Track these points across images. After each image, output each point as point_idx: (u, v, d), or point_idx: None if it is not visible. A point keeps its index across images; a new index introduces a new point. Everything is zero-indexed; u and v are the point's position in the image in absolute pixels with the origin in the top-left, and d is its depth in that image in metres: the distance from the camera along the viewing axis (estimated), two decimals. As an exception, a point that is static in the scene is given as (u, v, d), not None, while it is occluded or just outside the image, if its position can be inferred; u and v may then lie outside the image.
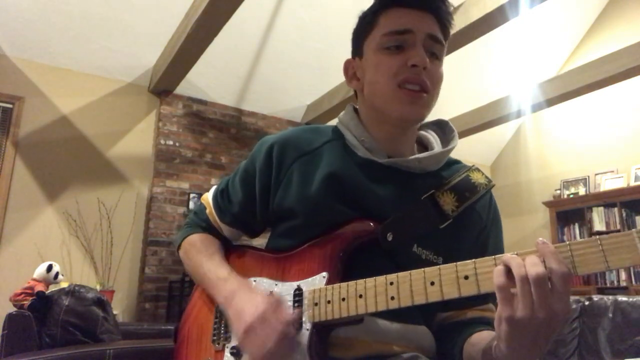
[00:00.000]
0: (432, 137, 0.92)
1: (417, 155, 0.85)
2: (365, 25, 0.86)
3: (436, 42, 0.82)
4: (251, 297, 0.76)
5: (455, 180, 0.84)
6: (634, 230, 0.54)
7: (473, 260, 0.63)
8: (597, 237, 0.56)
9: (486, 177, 0.89)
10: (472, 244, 0.84)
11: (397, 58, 0.80)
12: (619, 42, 4.17)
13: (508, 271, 0.58)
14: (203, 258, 0.90)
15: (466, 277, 0.63)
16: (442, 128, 0.95)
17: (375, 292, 0.70)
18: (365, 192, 0.82)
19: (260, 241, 0.94)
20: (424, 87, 0.80)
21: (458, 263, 0.64)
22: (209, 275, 0.86)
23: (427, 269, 0.66)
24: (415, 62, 0.78)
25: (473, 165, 0.90)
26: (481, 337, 0.75)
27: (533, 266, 0.56)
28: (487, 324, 0.80)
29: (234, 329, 0.76)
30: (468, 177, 0.86)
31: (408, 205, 0.81)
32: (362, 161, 0.85)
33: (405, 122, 0.84)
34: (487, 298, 0.81)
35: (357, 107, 0.94)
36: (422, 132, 0.93)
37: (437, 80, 0.83)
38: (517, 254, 0.59)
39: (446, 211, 0.80)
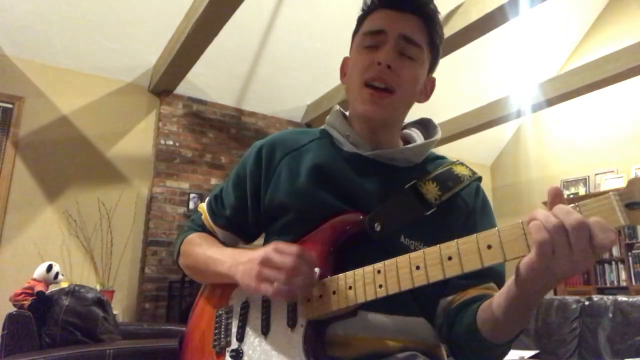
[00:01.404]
0: (415, 133, 0.95)
1: (400, 147, 0.88)
2: (356, 26, 0.91)
3: (410, 43, 0.84)
4: (255, 252, 0.76)
5: (438, 172, 0.86)
6: (611, 193, 0.53)
7: (456, 240, 0.64)
8: (577, 203, 0.55)
9: (471, 170, 0.90)
10: (460, 231, 0.83)
11: (368, 57, 0.84)
12: (619, 42, 4.17)
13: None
14: (203, 248, 0.91)
15: (450, 258, 0.63)
16: (425, 126, 0.97)
17: (364, 282, 0.71)
18: (351, 184, 0.84)
19: (258, 243, 0.94)
20: (389, 86, 0.83)
21: (441, 245, 0.65)
22: (211, 258, 0.87)
23: (412, 254, 0.67)
24: (379, 59, 0.82)
25: (457, 160, 0.92)
26: (488, 302, 0.73)
27: (568, 214, 0.53)
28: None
29: (245, 285, 0.75)
30: (451, 169, 0.88)
31: (392, 196, 0.82)
32: (348, 155, 0.88)
33: (368, 121, 0.87)
34: (487, 278, 0.81)
35: (343, 109, 0.97)
36: (406, 131, 0.96)
37: (405, 80, 0.84)
38: (522, 222, 0.58)
39: (429, 200, 0.82)
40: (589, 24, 5.48)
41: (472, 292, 0.80)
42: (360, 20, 0.90)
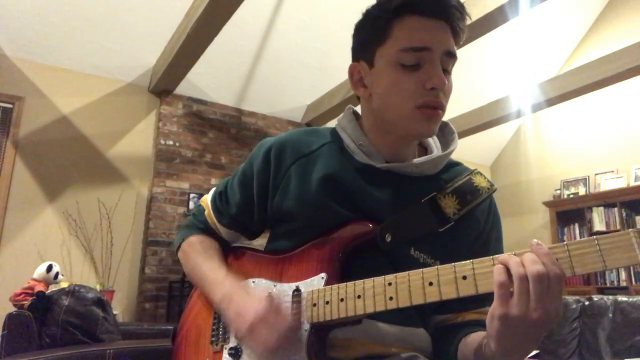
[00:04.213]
0: (432, 139, 0.92)
1: (414, 161, 0.84)
2: (377, 32, 0.80)
3: (451, 58, 0.79)
4: (250, 299, 0.76)
5: (458, 183, 0.84)
6: (631, 230, 0.55)
7: (471, 260, 0.63)
8: (595, 237, 0.57)
9: (488, 181, 0.88)
10: (469, 249, 0.84)
11: (413, 77, 0.77)
12: (619, 42, 4.17)
13: (508, 270, 0.59)
14: (201, 259, 0.90)
15: (464, 277, 0.63)
16: (442, 130, 0.94)
17: (374, 292, 0.70)
18: (362, 194, 0.82)
19: (260, 241, 0.94)
20: (440, 107, 0.79)
21: (456, 263, 0.64)
22: (206, 277, 0.87)
23: (425, 270, 0.66)
24: (434, 84, 0.76)
25: (475, 169, 0.90)
26: (475, 337, 0.75)
27: (533, 264, 0.57)
28: (484, 326, 0.80)
29: (234, 328, 0.77)
30: (470, 180, 0.86)
31: (408, 207, 0.80)
32: (360, 165, 0.85)
33: (417, 139, 0.85)
34: (484, 301, 0.81)
35: (357, 110, 0.93)
36: None
37: (449, 95, 0.82)
38: (514, 254, 0.60)
39: (447, 214, 0.80)
40: (589, 24, 5.48)
41: (466, 316, 0.81)
42: (383, 28, 0.79)
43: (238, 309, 0.76)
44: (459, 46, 0.83)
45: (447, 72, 0.80)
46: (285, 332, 0.72)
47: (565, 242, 0.58)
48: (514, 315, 0.57)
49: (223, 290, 0.81)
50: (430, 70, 0.77)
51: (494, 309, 0.59)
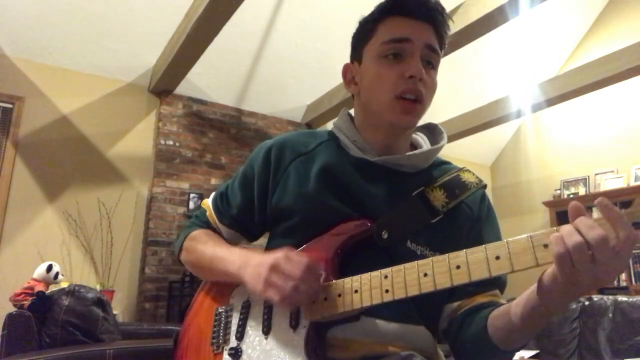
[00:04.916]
0: (422, 138, 0.96)
1: (406, 154, 0.88)
2: (365, 32, 0.88)
3: (433, 52, 0.85)
4: (267, 255, 0.77)
5: (446, 179, 0.87)
6: (623, 210, 0.56)
7: (464, 250, 0.65)
8: (597, 218, 0.57)
9: (477, 177, 0.91)
10: (465, 238, 0.85)
11: (395, 69, 0.83)
12: (619, 42, 4.17)
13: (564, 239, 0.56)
14: (210, 246, 0.91)
15: (458, 267, 0.65)
16: (431, 131, 0.98)
17: (370, 286, 0.71)
18: (358, 189, 0.85)
19: (262, 241, 0.94)
20: (419, 97, 0.83)
21: (450, 254, 0.66)
22: (218, 256, 0.86)
23: (420, 261, 0.68)
24: (412, 73, 0.81)
25: (464, 167, 0.93)
26: (502, 309, 0.75)
27: (591, 229, 0.55)
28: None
29: (252, 282, 0.76)
30: (458, 176, 0.89)
31: (401, 202, 0.83)
32: (355, 160, 0.88)
33: (397, 129, 0.87)
34: (494, 284, 0.83)
35: (351, 111, 0.97)
36: (413, 136, 0.97)
37: (431, 89, 0.85)
38: (530, 236, 0.60)
39: (436, 207, 0.83)
40: (589, 24, 5.48)
41: (479, 299, 0.82)
42: (370, 28, 0.87)
43: (256, 263, 0.76)
44: (444, 46, 0.87)
45: (430, 66, 0.85)
46: (301, 280, 0.71)
47: (555, 227, 0.59)
48: (583, 284, 0.57)
49: (239, 258, 0.82)
50: (410, 61, 0.82)
51: (556, 275, 0.58)
